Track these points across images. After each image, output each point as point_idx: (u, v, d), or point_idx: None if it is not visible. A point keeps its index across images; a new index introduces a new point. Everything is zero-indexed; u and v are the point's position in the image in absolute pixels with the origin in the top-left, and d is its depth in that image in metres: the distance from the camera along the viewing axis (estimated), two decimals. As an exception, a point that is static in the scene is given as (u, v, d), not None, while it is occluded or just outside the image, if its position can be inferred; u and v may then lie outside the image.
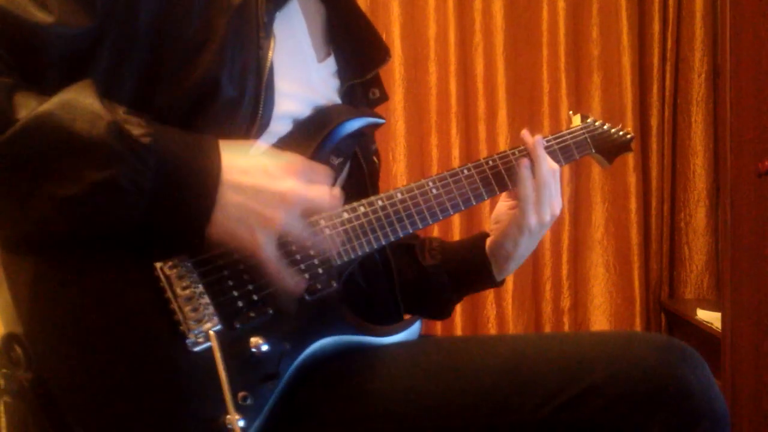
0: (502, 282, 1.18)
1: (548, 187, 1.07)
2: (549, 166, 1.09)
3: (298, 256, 0.88)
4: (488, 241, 1.14)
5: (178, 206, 0.76)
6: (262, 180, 0.79)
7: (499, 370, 0.84)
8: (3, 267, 0.78)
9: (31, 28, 0.75)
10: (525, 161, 1.08)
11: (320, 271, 0.89)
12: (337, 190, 0.86)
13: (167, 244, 0.79)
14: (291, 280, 0.83)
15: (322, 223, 0.90)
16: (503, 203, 1.15)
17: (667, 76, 2.52)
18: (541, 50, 2.50)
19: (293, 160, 0.84)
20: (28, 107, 0.72)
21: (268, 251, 0.80)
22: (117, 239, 0.76)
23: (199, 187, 0.76)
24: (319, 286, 0.90)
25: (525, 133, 1.10)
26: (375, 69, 1.10)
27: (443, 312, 1.23)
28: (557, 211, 1.10)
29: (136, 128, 0.74)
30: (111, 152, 0.72)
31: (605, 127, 1.25)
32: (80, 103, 0.73)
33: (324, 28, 1.08)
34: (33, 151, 0.71)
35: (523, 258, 1.14)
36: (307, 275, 0.88)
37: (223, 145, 0.79)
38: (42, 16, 0.76)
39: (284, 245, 0.85)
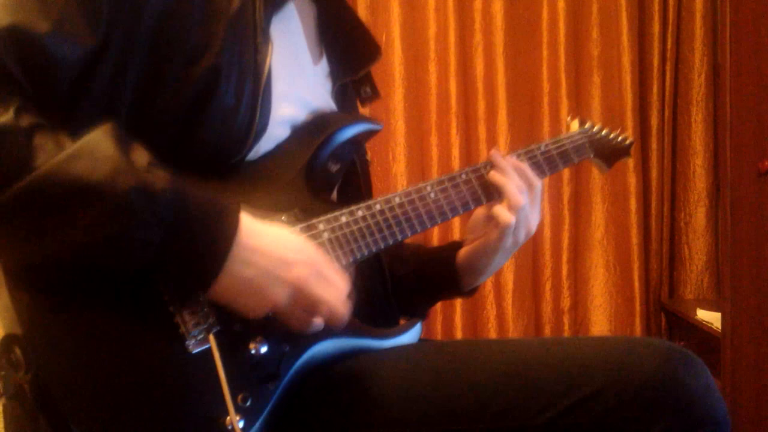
0: (473, 292, 1.17)
1: (524, 209, 1.05)
2: (519, 196, 1.05)
3: None
4: (460, 253, 1.13)
5: (185, 264, 0.75)
6: (274, 264, 0.78)
7: (501, 375, 0.84)
8: (2, 269, 0.78)
9: (41, 40, 0.75)
10: (498, 191, 1.05)
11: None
12: (348, 304, 0.84)
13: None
14: (297, 327, 0.83)
15: (321, 227, 0.90)
16: (481, 211, 1.10)
17: (667, 76, 2.52)
18: (541, 50, 2.50)
19: (312, 251, 0.82)
20: (47, 152, 0.71)
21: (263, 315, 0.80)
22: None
23: (208, 253, 0.75)
24: None
25: (494, 154, 1.07)
26: (366, 66, 1.10)
27: (418, 314, 1.18)
28: (533, 230, 1.08)
29: (159, 182, 0.72)
30: (128, 208, 0.70)
31: (604, 132, 1.25)
32: (101, 153, 0.71)
33: (316, 28, 1.08)
34: (50, 199, 0.70)
35: (494, 271, 1.13)
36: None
37: (245, 215, 0.78)
38: (47, 26, 0.75)
39: None
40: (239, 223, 0.77)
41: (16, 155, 0.70)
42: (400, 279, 1.14)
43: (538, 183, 1.08)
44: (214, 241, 0.75)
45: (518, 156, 1.10)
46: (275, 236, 0.81)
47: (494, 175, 1.05)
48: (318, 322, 0.82)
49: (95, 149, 0.71)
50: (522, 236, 1.07)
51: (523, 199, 1.04)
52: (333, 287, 0.82)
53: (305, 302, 0.80)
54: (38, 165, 0.70)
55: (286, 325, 0.82)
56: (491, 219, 1.07)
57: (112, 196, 0.70)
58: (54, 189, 0.70)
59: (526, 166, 1.08)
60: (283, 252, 0.79)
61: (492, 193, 1.06)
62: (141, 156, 0.74)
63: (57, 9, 0.76)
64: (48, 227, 0.71)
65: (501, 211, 1.04)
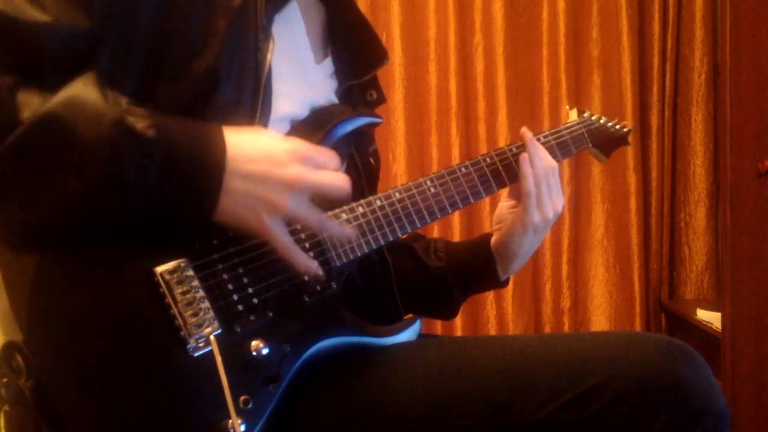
0: (507, 282, 1.18)
1: (548, 183, 1.08)
2: (546, 163, 1.09)
3: (306, 244, 0.88)
4: (492, 240, 1.14)
5: (185, 196, 0.77)
6: (268, 167, 0.79)
7: (501, 370, 0.84)
8: (2, 275, 0.78)
9: (30, 29, 0.75)
10: (525, 156, 1.08)
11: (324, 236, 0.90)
12: (344, 175, 0.85)
13: (174, 232, 0.79)
14: (303, 260, 0.83)
15: None
16: (504, 204, 1.15)
17: (667, 76, 2.51)
18: (541, 50, 2.50)
19: (299, 145, 0.83)
20: (31, 106, 0.72)
21: (276, 233, 0.80)
22: (120, 239, 0.77)
23: (204, 177, 0.76)
24: (318, 288, 0.90)
25: (524, 131, 1.11)
26: (373, 70, 1.10)
27: (449, 313, 1.22)
28: (559, 208, 1.10)
29: (140, 121, 0.74)
30: (116, 150, 0.72)
31: (602, 121, 1.25)
32: (83, 99, 0.73)
33: (323, 28, 1.07)
34: (39, 152, 0.72)
35: (527, 256, 1.14)
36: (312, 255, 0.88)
37: (228, 131, 0.79)
38: (40, 17, 0.76)
39: (294, 233, 0.85)
40: (225, 141, 0.78)
41: (3, 115, 0.71)
42: (436, 274, 1.15)
43: (555, 164, 1.11)
44: (206, 164, 0.76)
45: (518, 148, 1.11)
46: (260, 143, 0.82)
47: (528, 144, 1.10)
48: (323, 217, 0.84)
49: (77, 97, 0.73)
50: (549, 212, 1.08)
51: (540, 172, 1.07)
52: (327, 169, 0.83)
53: (308, 192, 0.81)
54: (23, 119, 0.71)
55: (305, 236, 0.84)
56: (514, 203, 1.10)
57: (99, 142, 0.72)
58: (41, 142, 0.71)
59: (537, 144, 1.11)
60: (271, 155, 0.80)
61: (492, 185, 1.07)
62: (120, 98, 0.76)
63: None
64: (38, 181, 0.72)
65: (522, 184, 1.07)
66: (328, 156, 0.85)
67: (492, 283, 1.17)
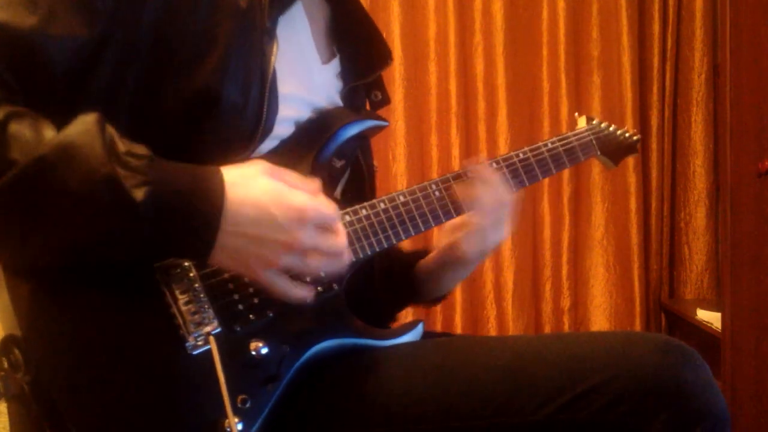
0: (439, 300, 1.16)
1: (495, 217, 1.04)
2: (498, 197, 1.04)
3: None
4: (422, 261, 1.12)
5: (176, 250, 0.76)
6: (267, 231, 0.76)
7: (500, 371, 0.84)
8: (2, 270, 0.78)
9: (32, 38, 0.74)
10: (476, 190, 1.03)
11: (322, 274, 0.89)
12: (345, 243, 0.83)
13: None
14: (299, 294, 0.82)
15: None
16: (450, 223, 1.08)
17: (667, 76, 2.51)
18: (541, 50, 2.50)
19: (307, 204, 0.79)
20: (22, 143, 0.69)
21: (270, 282, 0.79)
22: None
23: (196, 236, 0.74)
24: (320, 289, 0.90)
25: (467, 163, 1.05)
26: (378, 71, 1.09)
27: (383, 320, 1.16)
28: (498, 241, 1.07)
29: (132, 177, 0.70)
30: (104, 209, 0.70)
31: (611, 129, 1.25)
32: (77, 148, 0.70)
33: (328, 28, 1.07)
34: (28, 199, 0.70)
35: (460, 280, 1.13)
36: (309, 279, 0.87)
37: (231, 183, 0.76)
38: (42, 25, 0.74)
39: None
40: (224, 198, 0.74)
41: None
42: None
43: (507, 197, 1.06)
44: (200, 226, 0.74)
45: (523, 153, 1.09)
46: (262, 202, 0.77)
47: (459, 188, 1.03)
48: (318, 263, 0.81)
49: (72, 145, 0.70)
50: (490, 244, 1.06)
51: (491, 207, 1.03)
52: (327, 233, 0.81)
53: (304, 256, 0.79)
54: (14, 157, 0.69)
55: (298, 274, 0.81)
56: (457, 228, 1.06)
57: (88, 200, 0.69)
58: (31, 190, 0.69)
59: (496, 180, 1.05)
60: (274, 219, 0.77)
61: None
62: (119, 143, 0.72)
63: (45, 3, 0.75)
64: (32, 226, 0.71)
65: (473, 215, 1.03)
66: (331, 214, 0.81)
67: (415, 300, 1.16)
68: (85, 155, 0.69)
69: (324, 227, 0.80)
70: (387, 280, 1.11)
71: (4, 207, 0.70)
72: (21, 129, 0.70)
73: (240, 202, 0.75)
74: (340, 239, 0.82)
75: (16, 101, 0.73)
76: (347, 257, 0.84)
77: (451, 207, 1.02)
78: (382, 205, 0.95)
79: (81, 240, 0.72)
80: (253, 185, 0.78)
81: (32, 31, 0.74)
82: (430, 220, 0.99)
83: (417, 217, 0.98)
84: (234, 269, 0.79)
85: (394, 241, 0.96)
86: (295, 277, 0.81)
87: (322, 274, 0.84)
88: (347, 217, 0.92)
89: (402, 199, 0.97)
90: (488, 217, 1.04)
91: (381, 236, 0.94)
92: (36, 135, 0.70)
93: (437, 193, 1.00)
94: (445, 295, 1.17)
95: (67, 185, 0.69)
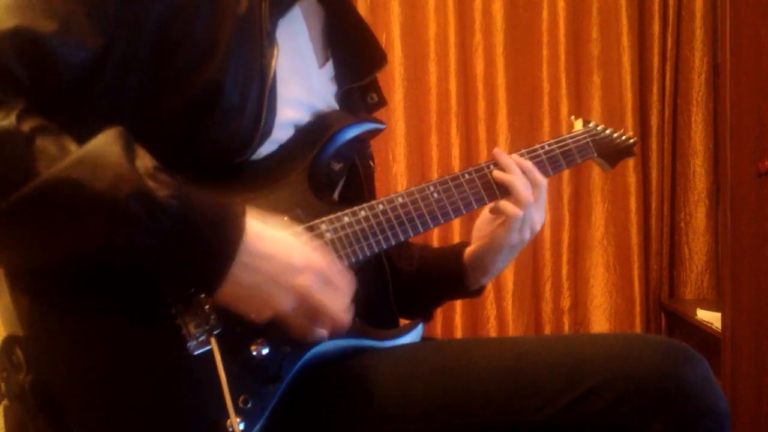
0: (480, 291, 1.17)
1: (530, 206, 1.06)
2: (536, 184, 1.07)
3: None
4: (467, 252, 1.13)
5: (189, 272, 0.75)
6: (281, 269, 0.77)
7: (500, 372, 0.84)
8: (4, 271, 0.78)
9: (44, 40, 0.75)
10: (513, 179, 1.05)
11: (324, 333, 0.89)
12: (350, 308, 0.83)
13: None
14: (299, 334, 0.82)
15: (324, 227, 0.90)
16: (486, 215, 1.13)
17: (667, 76, 2.51)
18: (541, 50, 2.50)
19: (318, 257, 0.81)
20: (48, 156, 0.70)
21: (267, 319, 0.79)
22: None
23: (211, 261, 0.74)
24: None
25: (498, 152, 1.07)
26: (372, 73, 1.10)
27: (423, 316, 1.19)
28: (538, 228, 1.09)
29: (163, 189, 0.71)
30: (131, 215, 0.70)
31: (608, 131, 1.25)
32: (105, 160, 0.70)
33: (323, 32, 1.07)
34: (51, 209, 0.70)
35: (500, 271, 1.14)
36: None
37: (252, 220, 0.77)
38: (52, 27, 0.75)
39: None
40: (244, 228, 0.76)
41: (17, 160, 0.70)
42: (406, 279, 1.15)
43: (543, 181, 1.09)
44: (218, 249, 0.74)
45: (521, 155, 1.10)
46: (281, 241, 0.80)
47: (499, 174, 1.05)
48: (320, 332, 0.82)
49: (99, 156, 0.71)
50: (527, 234, 1.08)
51: (529, 195, 1.05)
52: (337, 294, 0.82)
53: (308, 309, 0.80)
54: (40, 170, 0.69)
55: (288, 332, 0.82)
56: (497, 217, 1.08)
57: (112, 205, 0.69)
58: (56, 197, 0.69)
59: (530, 164, 1.08)
60: (288, 258, 0.78)
61: (495, 192, 1.06)
62: (145, 162, 0.73)
63: (63, 11, 0.76)
64: (50, 235, 0.71)
65: (508, 205, 1.05)
66: (344, 279, 0.83)
67: (461, 293, 1.17)
68: (113, 163, 0.70)
69: (334, 285, 0.81)
70: (427, 275, 1.14)
71: (23, 217, 0.70)
72: (46, 144, 0.71)
73: (259, 234, 0.77)
74: (344, 310, 0.83)
75: (35, 110, 0.73)
76: (345, 327, 0.84)
77: (450, 209, 1.02)
78: (381, 207, 0.95)
79: (95, 252, 0.71)
80: (272, 227, 0.80)
81: (51, 36, 0.75)
82: (429, 221, 1.00)
83: (416, 218, 0.98)
84: (237, 306, 0.78)
85: (393, 242, 0.96)
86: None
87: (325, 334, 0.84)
88: (346, 219, 0.92)
89: (401, 200, 0.97)
90: (526, 203, 1.05)
91: (380, 237, 0.94)
92: (61, 150, 0.71)
93: (435, 195, 1.01)
94: (485, 286, 1.18)
95: (92, 195, 0.69)
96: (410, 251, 1.19)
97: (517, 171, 1.06)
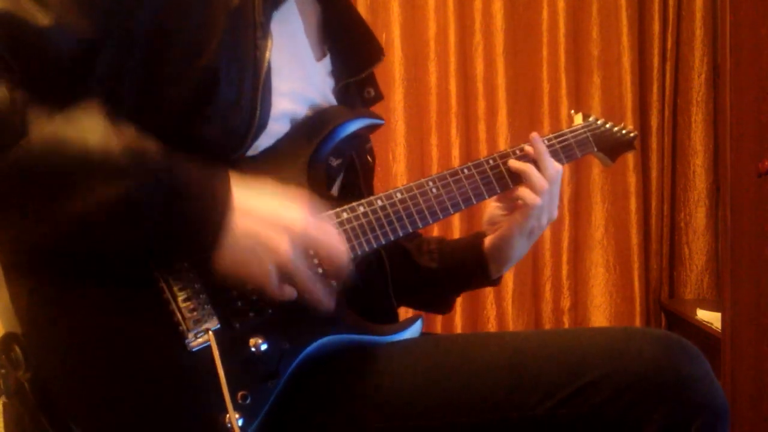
0: (499, 280, 1.19)
1: (551, 193, 1.09)
2: (553, 172, 1.10)
3: None
4: (486, 241, 1.15)
5: (189, 225, 0.76)
6: (272, 210, 0.80)
7: (500, 366, 0.84)
8: (2, 268, 0.78)
9: (36, 31, 0.75)
10: (531, 167, 1.08)
11: (320, 271, 0.89)
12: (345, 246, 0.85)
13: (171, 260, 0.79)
14: (325, 298, 0.83)
15: None
16: (496, 206, 1.15)
17: (667, 76, 2.52)
18: (541, 50, 2.50)
19: (303, 201, 0.83)
20: (39, 122, 0.72)
21: (273, 283, 0.80)
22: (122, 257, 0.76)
23: (210, 208, 0.76)
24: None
25: (535, 138, 1.10)
26: (370, 67, 1.10)
27: (443, 309, 1.25)
28: (555, 215, 1.12)
29: (150, 145, 0.75)
30: (125, 166, 0.72)
31: (608, 125, 1.25)
32: (92, 121, 0.74)
33: (319, 27, 1.08)
34: (45, 166, 0.71)
35: (520, 257, 1.15)
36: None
37: (234, 174, 0.80)
38: (45, 19, 0.75)
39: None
40: (229, 180, 0.78)
41: (11, 127, 0.71)
42: (427, 274, 1.16)
43: (559, 167, 1.11)
44: (214, 193, 0.77)
45: (521, 151, 1.10)
46: (266, 192, 0.82)
47: (515, 163, 1.08)
48: (327, 284, 0.83)
49: (85, 118, 0.73)
50: (545, 221, 1.10)
51: (544, 182, 1.08)
52: (328, 232, 0.84)
53: (306, 246, 0.81)
54: (31, 131, 0.71)
55: (297, 286, 0.82)
56: (507, 206, 1.11)
57: (107, 157, 0.71)
58: (49, 153, 0.71)
59: (544, 148, 1.10)
60: (278, 201, 0.81)
61: (495, 187, 1.07)
62: (128, 127, 0.75)
63: (55, 3, 0.76)
64: (47, 195, 0.71)
65: (526, 192, 1.07)
66: (329, 225, 0.86)
67: (483, 282, 1.18)
68: (98, 122, 0.73)
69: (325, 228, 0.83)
70: (449, 267, 1.16)
71: (18, 176, 0.71)
72: (39, 114, 0.73)
73: (244, 189, 0.79)
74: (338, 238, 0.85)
75: (22, 86, 0.74)
76: (346, 266, 0.85)
77: (448, 205, 1.02)
78: (380, 202, 0.95)
79: (94, 210, 0.72)
80: (256, 180, 0.83)
81: (46, 28, 0.75)
82: (428, 216, 1.00)
83: (415, 214, 0.98)
84: (243, 262, 0.78)
85: (392, 238, 0.96)
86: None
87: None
88: (345, 215, 0.92)
89: (399, 196, 0.97)
90: (545, 195, 1.08)
91: (378, 233, 0.94)
92: (49, 116, 0.73)
93: (434, 190, 1.01)
94: (503, 275, 1.20)
95: (85, 148, 0.71)
96: (429, 245, 1.20)
97: (531, 160, 1.09)
